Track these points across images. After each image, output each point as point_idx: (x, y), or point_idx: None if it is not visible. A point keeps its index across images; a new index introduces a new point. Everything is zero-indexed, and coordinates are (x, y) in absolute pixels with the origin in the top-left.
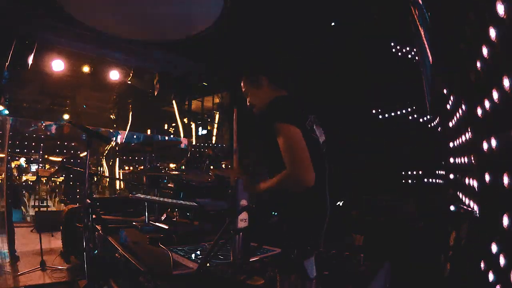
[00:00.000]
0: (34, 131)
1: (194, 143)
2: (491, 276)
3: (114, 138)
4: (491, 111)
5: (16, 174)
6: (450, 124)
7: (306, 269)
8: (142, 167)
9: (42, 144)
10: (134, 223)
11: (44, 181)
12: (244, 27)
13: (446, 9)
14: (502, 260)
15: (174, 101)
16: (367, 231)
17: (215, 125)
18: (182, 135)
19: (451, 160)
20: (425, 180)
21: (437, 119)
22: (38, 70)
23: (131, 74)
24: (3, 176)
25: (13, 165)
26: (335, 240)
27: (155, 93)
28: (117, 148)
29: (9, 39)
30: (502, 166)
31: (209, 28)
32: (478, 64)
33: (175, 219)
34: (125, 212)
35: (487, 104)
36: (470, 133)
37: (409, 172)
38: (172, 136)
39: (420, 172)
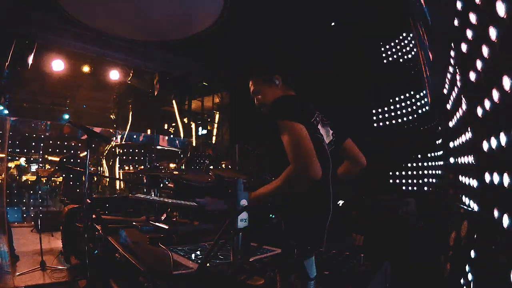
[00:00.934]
0: (34, 131)
1: (194, 143)
2: (491, 276)
3: (114, 138)
4: (491, 111)
5: (16, 174)
6: (450, 124)
7: (306, 269)
8: (142, 167)
9: (42, 144)
10: (134, 223)
11: (44, 181)
12: (244, 27)
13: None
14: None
15: (174, 101)
16: (367, 231)
17: (215, 125)
18: (182, 135)
19: (451, 160)
20: (425, 180)
21: (437, 119)
22: (38, 70)
23: (131, 74)
24: (3, 176)
25: (12, 165)
26: (335, 240)
27: (155, 93)
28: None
29: (9, 39)
30: (502, 166)
31: (209, 28)
32: (478, 64)
33: (175, 219)
34: (125, 212)
35: (487, 104)
36: (470, 133)
37: (409, 172)
38: (172, 136)
39: (420, 172)
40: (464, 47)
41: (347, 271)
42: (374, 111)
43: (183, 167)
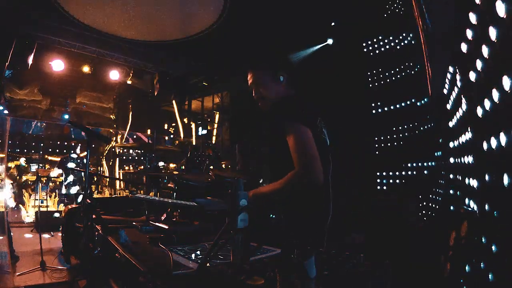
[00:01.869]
0: (34, 131)
1: (194, 143)
2: (490, 276)
3: (114, 138)
4: (491, 111)
5: (16, 174)
6: (450, 124)
7: (306, 269)
8: (142, 167)
9: (42, 144)
10: (134, 223)
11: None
12: (244, 27)
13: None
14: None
15: (174, 101)
16: (367, 231)
17: (215, 125)
18: (182, 135)
19: (451, 160)
20: (425, 180)
21: (437, 119)
22: (38, 70)
23: (131, 74)
24: (3, 176)
25: (12, 165)
26: (335, 240)
27: (155, 93)
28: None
29: (9, 39)
30: (502, 166)
31: (209, 28)
32: (478, 64)
33: (175, 219)
34: (125, 212)
35: (487, 104)
36: (470, 133)
37: (409, 172)
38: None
39: (420, 172)
40: (464, 47)
41: (347, 271)
42: (374, 111)
43: (183, 167)
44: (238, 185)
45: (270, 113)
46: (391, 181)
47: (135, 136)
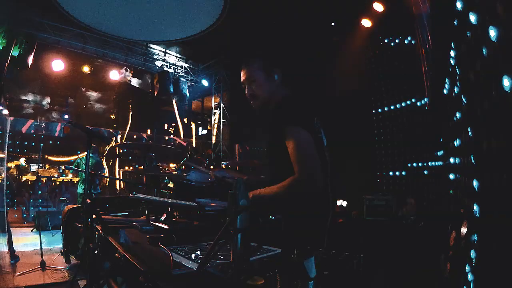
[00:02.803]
0: (34, 131)
1: (194, 143)
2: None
3: (114, 138)
4: (491, 111)
5: (16, 174)
6: (450, 124)
7: (306, 269)
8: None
9: (42, 144)
10: (134, 223)
11: (44, 181)
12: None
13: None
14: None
15: (174, 101)
16: (367, 231)
17: (215, 125)
18: (182, 135)
19: (451, 160)
20: (425, 180)
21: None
22: (38, 70)
23: (131, 74)
24: (3, 176)
25: (12, 165)
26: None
27: (155, 93)
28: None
29: (9, 39)
30: (502, 166)
31: (209, 28)
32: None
33: (175, 219)
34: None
35: (487, 104)
36: (470, 133)
37: (409, 172)
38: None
39: (420, 172)
40: (464, 47)
41: (347, 271)
42: (374, 111)
43: (183, 167)
44: (238, 185)
45: (269, 116)
46: (391, 181)
47: (135, 136)
